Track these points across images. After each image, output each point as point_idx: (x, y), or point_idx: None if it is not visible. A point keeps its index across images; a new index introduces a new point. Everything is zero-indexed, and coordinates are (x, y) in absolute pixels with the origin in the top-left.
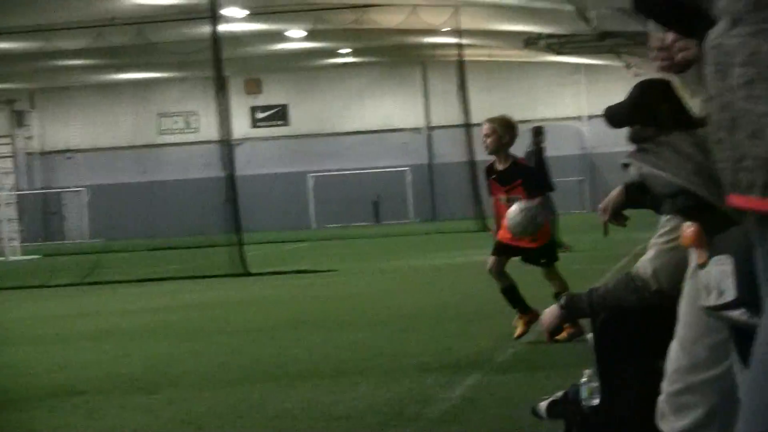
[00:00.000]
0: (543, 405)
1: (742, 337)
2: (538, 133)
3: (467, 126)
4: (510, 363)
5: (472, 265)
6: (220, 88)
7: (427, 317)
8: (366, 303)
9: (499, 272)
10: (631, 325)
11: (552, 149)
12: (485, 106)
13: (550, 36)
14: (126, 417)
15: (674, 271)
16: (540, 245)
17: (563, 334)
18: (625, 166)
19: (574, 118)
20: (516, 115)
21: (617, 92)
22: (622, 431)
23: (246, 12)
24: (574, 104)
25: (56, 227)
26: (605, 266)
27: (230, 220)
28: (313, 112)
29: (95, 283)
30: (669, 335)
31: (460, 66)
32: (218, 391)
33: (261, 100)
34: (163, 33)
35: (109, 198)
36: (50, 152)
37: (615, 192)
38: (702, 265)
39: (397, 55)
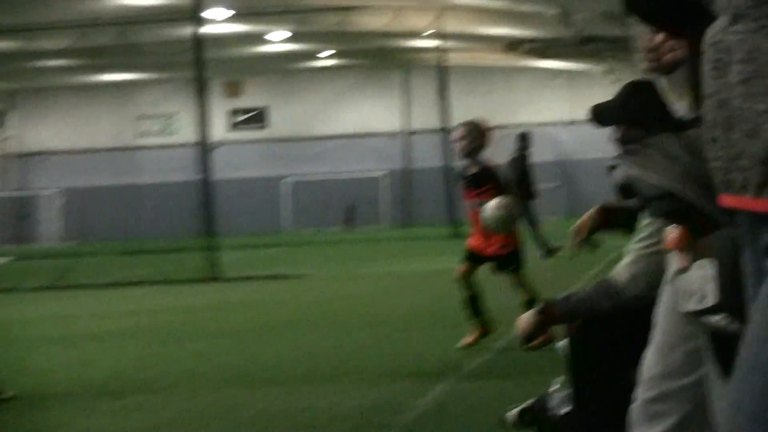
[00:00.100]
0: (514, 413)
1: (720, 344)
2: (523, 138)
3: (445, 131)
4: (481, 370)
5: (444, 271)
6: (201, 90)
7: (399, 324)
8: (337, 309)
9: (466, 280)
10: (606, 332)
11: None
12: (466, 111)
13: (532, 40)
14: (93, 422)
15: (652, 276)
16: (509, 252)
17: (537, 341)
18: (612, 168)
19: (553, 124)
20: (495, 120)
21: (597, 99)
22: None
23: (230, 13)
24: (552, 109)
25: (30, 230)
26: (579, 273)
27: (204, 224)
28: (292, 115)
29: (67, 287)
30: (644, 343)
31: (442, 70)
32: (186, 396)
33: (241, 103)
34: (146, 34)
35: (84, 201)
36: (27, 154)
37: (588, 214)
38: (683, 270)
39: (379, 59)
